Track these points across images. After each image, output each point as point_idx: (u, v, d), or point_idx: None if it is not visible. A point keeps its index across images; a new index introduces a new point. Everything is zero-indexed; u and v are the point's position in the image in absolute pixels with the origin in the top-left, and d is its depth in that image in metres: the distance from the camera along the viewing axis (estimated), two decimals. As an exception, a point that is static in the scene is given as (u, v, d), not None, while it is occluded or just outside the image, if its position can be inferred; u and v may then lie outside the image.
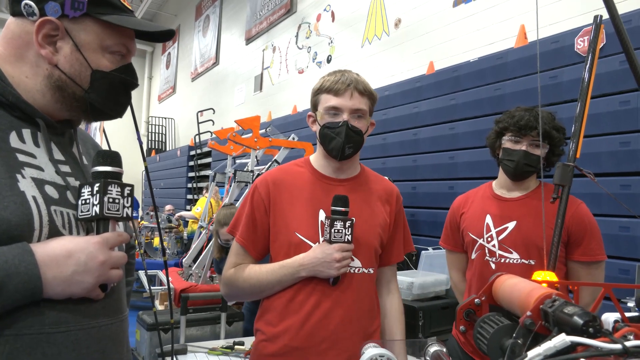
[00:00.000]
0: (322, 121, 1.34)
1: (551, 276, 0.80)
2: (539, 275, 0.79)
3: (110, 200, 0.81)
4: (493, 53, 3.51)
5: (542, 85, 2.96)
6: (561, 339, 0.50)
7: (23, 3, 0.82)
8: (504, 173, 1.74)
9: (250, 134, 4.30)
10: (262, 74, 7.74)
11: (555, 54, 2.92)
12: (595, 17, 1.01)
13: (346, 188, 1.38)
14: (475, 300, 0.76)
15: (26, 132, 0.83)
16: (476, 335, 0.67)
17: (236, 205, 3.62)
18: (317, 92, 1.37)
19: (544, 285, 0.72)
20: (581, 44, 2.79)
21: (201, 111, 8.98)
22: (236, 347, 2.30)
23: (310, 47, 6.49)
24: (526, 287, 0.66)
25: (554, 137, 1.66)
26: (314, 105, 1.39)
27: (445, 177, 3.67)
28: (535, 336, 0.58)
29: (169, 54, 12.93)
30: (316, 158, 1.44)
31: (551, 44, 2.95)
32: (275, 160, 4.13)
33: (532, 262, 1.61)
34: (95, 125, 12.52)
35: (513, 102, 2.13)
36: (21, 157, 0.80)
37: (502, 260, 1.66)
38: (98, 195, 0.81)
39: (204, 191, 6.89)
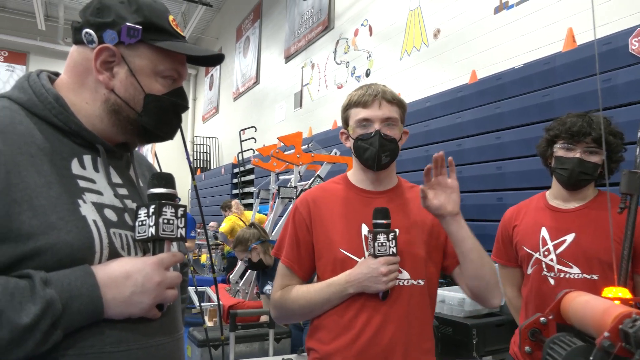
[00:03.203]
0: (355, 134, 1.35)
1: (624, 292, 0.74)
2: (609, 291, 0.74)
3: (165, 221, 0.83)
4: (539, 58, 3.40)
5: (596, 89, 2.83)
6: (648, 364, 0.45)
7: (84, 32, 0.86)
8: (558, 182, 1.66)
9: (293, 150, 4.34)
10: (301, 90, 7.83)
11: (607, 55, 2.78)
12: (657, 15, 0.95)
13: (385, 199, 1.35)
14: (541, 318, 0.72)
15: (87, 158, 0.87)
16: (546, 357, 0.63)
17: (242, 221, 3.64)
18: (347, 108, 1.39)
19: (617, 302, 0.68)
20: (636, 45, 2.65)
21: (243, 129, 9.17)
22: (285, 364, 2.29)
23: (348, 62, 6.52)
24: (600, 306, 0.61)
25: (611, 143, 1.58)
26: (345, 122, 1.41)
27: (493, 188, 3.55)
28: (614, 359, 0.54)
29: (212, 75, 13.35)
30: (353, 173, 1.43)
31: (603, 46, 2.82)
32: (318, 176, 4.15)
33: (595, 277, 1.52)
34: (147, 147, 13.05)
35: (563, 108, 2.03)
36: (82, 183, 0.84)
37: (562, 275, 1.57)
38: (154, 216, 0.83)
39: (227, 212, 6.59)
